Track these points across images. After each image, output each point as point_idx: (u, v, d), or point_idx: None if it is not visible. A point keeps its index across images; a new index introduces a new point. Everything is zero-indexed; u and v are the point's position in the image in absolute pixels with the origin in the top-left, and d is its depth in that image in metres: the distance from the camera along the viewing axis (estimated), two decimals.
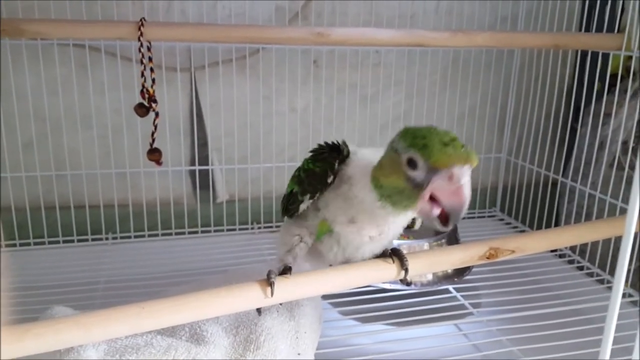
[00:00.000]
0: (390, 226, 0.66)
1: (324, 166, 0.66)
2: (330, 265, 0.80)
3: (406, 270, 0.67)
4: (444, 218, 0.57)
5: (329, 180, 0.65)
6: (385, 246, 0.71)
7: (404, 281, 0.69)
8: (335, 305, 1.00)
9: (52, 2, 1.08)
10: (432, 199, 0.57)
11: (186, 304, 0.56)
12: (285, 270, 0.65)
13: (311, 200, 0.67)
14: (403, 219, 0.66)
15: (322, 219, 0.68)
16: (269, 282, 0.61)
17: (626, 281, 1.07)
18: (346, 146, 0.68)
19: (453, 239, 1.11)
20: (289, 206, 0.71)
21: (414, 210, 0.59)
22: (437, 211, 0.57)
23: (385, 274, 0.68)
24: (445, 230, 0.60)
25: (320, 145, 0.70)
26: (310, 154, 0.70)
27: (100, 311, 0.53)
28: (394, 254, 0.68)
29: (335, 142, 0.69)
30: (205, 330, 0.67)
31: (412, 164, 0.56)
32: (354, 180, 0.65)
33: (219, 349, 0.66)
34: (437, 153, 0.55)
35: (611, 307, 0.42)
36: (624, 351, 0.79)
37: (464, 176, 0.54)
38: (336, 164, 0.65)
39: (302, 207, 0.68)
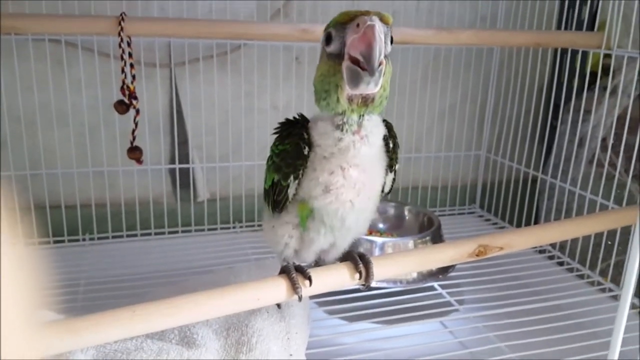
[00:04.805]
0: (365, 175, 0.65)
1: (294, 141, 0.64)
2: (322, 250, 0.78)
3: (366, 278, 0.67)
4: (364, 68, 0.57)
5: (305, 151, 0.63)
6: (371, 212, 0.70)
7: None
8: (321, 304, 0.99)
9: None
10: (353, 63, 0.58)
11: (179, 306, 0.55)
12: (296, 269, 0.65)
13: (297, 181, 0.65)
14: (366, 150, 0.65)
15: (299, 201, 0.67)
16: (290, 277, 0.62)
17: (605, 275, 1.09)
18: (302, 116, 0.68)
19: (437, 237, 1.11)
20: (277, 198, 0.68)
21: (343, 85, 0.59)
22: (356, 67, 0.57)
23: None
24: (373, 78, 0.58)
25: (280, 124, 0.69)
26: (275, 134, 0.69)
27: (91, 316, 0.51)
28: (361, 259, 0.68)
29: (292, 117, 0.68)
30: (195, 333, 0.66)
31: (328, 39, 0.60)
32: (316, 136, 0.64)
33: (211, 351, 0.64)
34: (342, 15, 0.59)
35: (618, 320, 0.42)
36: (604, 346, 0.79)
37: (370, 21, 0.55)
38: (304, 134, 0.64)
39: (291, 191, 0.66)
